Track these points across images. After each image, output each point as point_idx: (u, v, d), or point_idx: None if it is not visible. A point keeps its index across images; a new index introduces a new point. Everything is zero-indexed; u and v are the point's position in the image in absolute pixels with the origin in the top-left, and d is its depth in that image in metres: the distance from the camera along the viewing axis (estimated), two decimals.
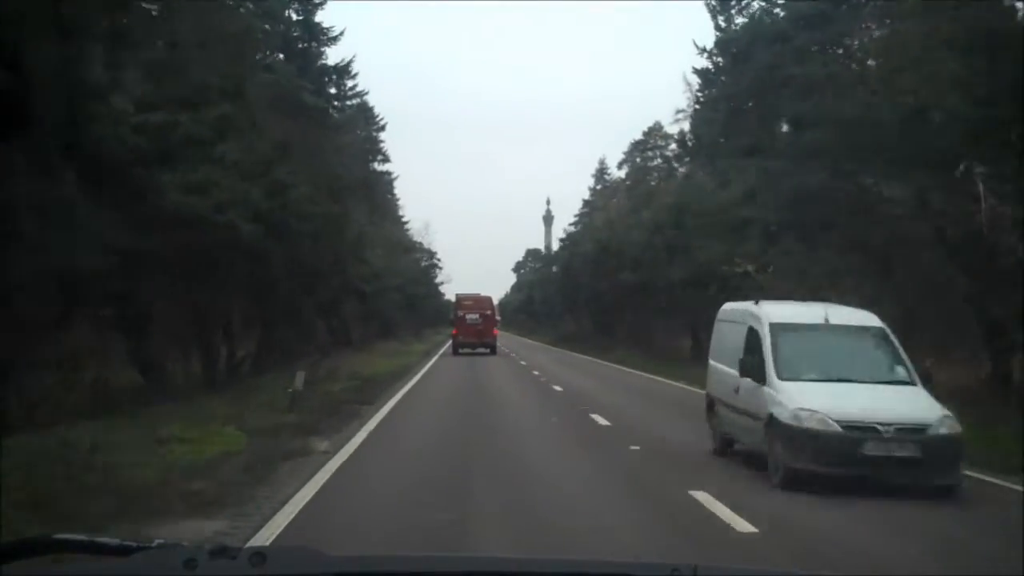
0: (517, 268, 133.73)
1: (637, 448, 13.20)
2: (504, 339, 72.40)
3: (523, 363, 40.44)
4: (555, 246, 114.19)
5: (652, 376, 31.47)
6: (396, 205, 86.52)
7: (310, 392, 21.59)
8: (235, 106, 20.56)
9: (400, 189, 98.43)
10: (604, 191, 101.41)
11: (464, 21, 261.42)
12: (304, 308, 33.34)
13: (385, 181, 79.23)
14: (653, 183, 79.43)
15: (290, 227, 20.60)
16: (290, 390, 18.40)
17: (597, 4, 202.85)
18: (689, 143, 70.26)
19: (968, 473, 10.39)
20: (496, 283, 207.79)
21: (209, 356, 22.41)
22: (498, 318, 56.53)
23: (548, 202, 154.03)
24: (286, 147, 22.98)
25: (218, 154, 20.31)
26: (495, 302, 55.27)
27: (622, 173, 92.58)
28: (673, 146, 76.25)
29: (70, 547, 2.04)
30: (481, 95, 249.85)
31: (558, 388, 25.22)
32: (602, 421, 16.76)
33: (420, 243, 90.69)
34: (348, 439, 14.20)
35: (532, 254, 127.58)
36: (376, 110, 69.93)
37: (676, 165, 75.29)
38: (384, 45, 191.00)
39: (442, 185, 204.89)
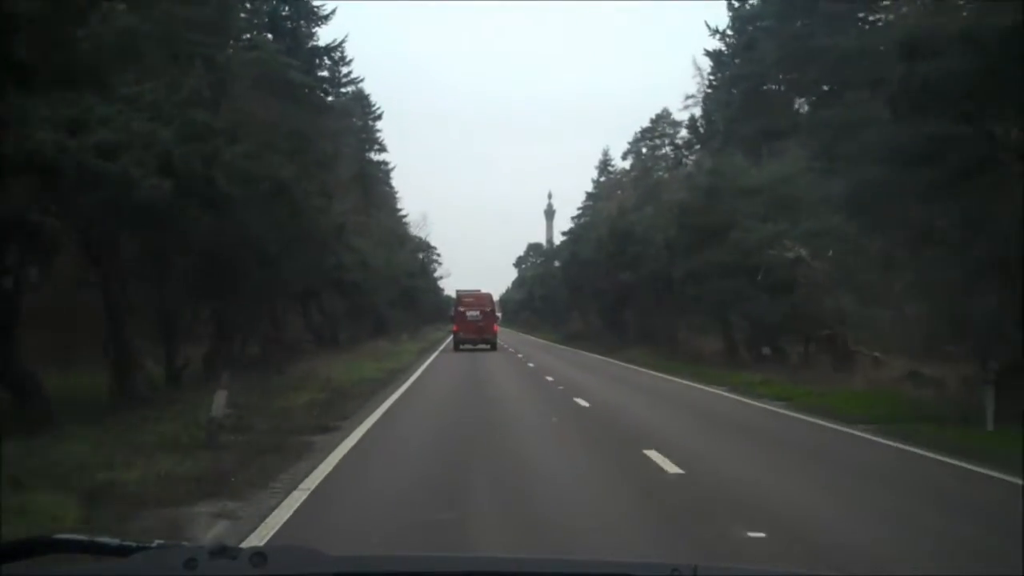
0: (519, 263, 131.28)
1: (760, 536, 7.50)
2: (506, 336, 67.35)
3: (531, 365, 34.91)
4: (557, 240, 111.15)
5: (692, 384, 25.84)
6: (393, 196, 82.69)
7: (262, 407, 16.36)
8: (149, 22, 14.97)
9: (399, 183, 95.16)
10: (608, 183, 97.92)
11: (461, 18, 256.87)
12: (271, 300, 28.15)
13: (382, 171, 75.34)
14: (661, 173, 75.25)
15: (219, 189, 14.77)
16: (212, 415, 12.79)
17: (597, 4, 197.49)
18: (701, 128, 65.42)
19: None
20: (497, 278, 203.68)
21: (123, 360, 16.77)
22: (499, 315, 55.56)
23: (550, 196, 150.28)
24: (223, 86, 17.27)
25: (132, 93, 14.90)
26: (495, 298, 53.91)
27: (627, 164, 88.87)
28: (683, 132, 72.00)
29: (70, 547, 2.03)
30: (479, 92, 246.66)
31: (583, 402, 19.57)
32: (669, 466, 10.95)
33: (419, 237, 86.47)
34: (269, 510, 8.57)
35: (534, 248, 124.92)
36: (373, 99, 66.43)
37: (686, 153, 71.07)
38: (383, 41, 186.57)
39: (442, 180, 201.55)
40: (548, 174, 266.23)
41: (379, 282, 46.02)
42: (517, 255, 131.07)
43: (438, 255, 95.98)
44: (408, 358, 38.52)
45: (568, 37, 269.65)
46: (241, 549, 1.87)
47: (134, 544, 1.99)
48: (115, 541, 2.03)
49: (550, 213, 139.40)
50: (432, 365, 35.36)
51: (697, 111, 65.73)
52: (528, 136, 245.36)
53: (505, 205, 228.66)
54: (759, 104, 53.16)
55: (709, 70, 62.29)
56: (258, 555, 1.85)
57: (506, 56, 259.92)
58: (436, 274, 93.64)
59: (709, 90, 63.39)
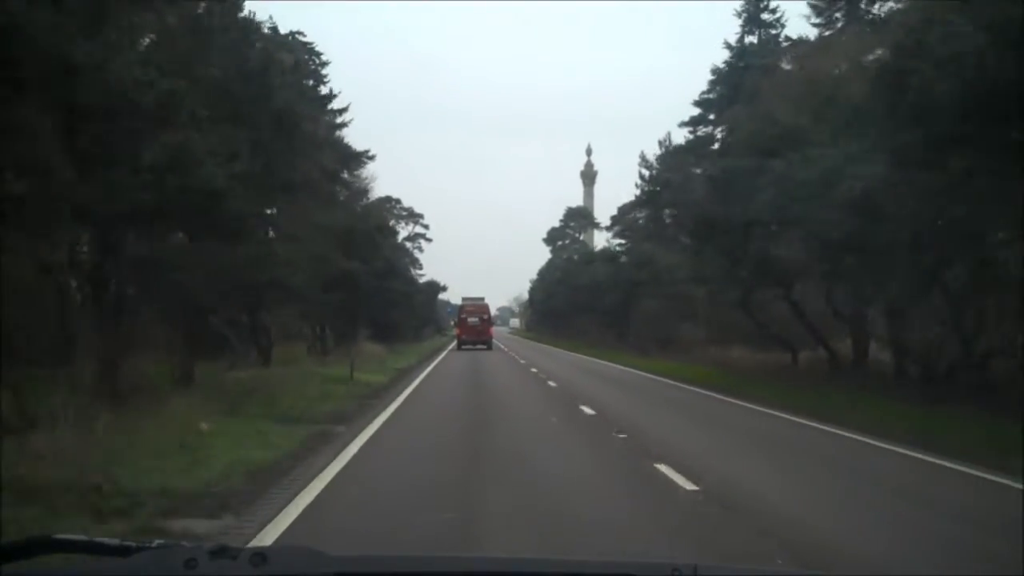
0: (551, 239, 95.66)
1: None
2: (534, 352, 53.40)
3: (622, 434, 14.61)
4: (597, 208, 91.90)
5: None
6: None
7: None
8: None
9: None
10: (759, 48, 47.67)
11: (455, 16, 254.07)
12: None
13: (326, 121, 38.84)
14: None
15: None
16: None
17: (592, 4, 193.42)
18: None
19: None
20: (510, 276, 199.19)
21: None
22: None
23: (589, 152, 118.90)
24: None
25: None
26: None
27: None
28: None
29: (70, 547, 2.06)
30: (478, 89, 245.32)
31: None
32: None
33: (400, 202, 64.79)
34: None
35: (574, 214, 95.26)
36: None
37: None
38: (384, 39, 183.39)
39: (449, 184, 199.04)
40: (550, 177, 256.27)
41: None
42: (550, 227, 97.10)
43: (425, 226, 72.20)
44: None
45: (567, 35, 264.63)
46: (241, 549, 1.90)
47: (134, 544, 2.02)
48: (115, 541, 2.06)
49: (590, 175, 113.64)
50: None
51: None
52: (531, 137, 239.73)
53: (511, 206, 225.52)
54: None
55: None
56: (258, 555, 1.87)
57: (503, 54, 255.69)
58: (419, 247, 71.41)
59: None
